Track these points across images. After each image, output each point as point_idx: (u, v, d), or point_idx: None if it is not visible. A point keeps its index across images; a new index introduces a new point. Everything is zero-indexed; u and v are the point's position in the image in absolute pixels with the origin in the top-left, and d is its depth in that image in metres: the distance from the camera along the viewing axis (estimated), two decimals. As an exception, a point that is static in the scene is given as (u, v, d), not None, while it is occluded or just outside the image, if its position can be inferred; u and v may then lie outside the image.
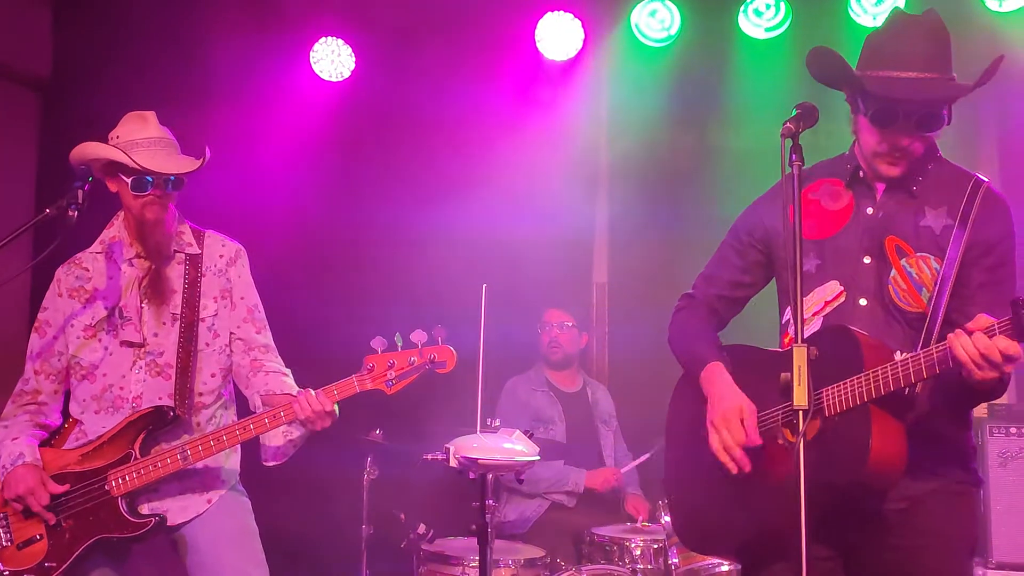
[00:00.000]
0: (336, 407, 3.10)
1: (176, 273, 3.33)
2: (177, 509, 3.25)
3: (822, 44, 2.62)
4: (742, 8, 5.31)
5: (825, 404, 2.42)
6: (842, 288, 2.59)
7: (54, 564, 3.14)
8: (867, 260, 2.58)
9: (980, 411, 4.74)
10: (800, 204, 2.33)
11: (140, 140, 3.19)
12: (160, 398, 3.23)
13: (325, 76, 5.76)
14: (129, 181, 3.17)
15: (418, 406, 4.67)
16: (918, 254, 2.53)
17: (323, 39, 5.74)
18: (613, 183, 5.92)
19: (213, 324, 3.32)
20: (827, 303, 2.60)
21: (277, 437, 3.24)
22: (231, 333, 3.36)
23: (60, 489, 3.16)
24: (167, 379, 3.25)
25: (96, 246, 3.39)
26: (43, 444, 3.31)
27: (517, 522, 4.99)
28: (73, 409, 3.33)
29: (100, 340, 3.29)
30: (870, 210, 2.62)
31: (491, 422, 3.55)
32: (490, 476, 3.19)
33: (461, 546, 4.36)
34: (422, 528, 4.42)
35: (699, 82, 5.43)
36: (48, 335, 3.35)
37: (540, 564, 4.30)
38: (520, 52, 5.59)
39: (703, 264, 2.97)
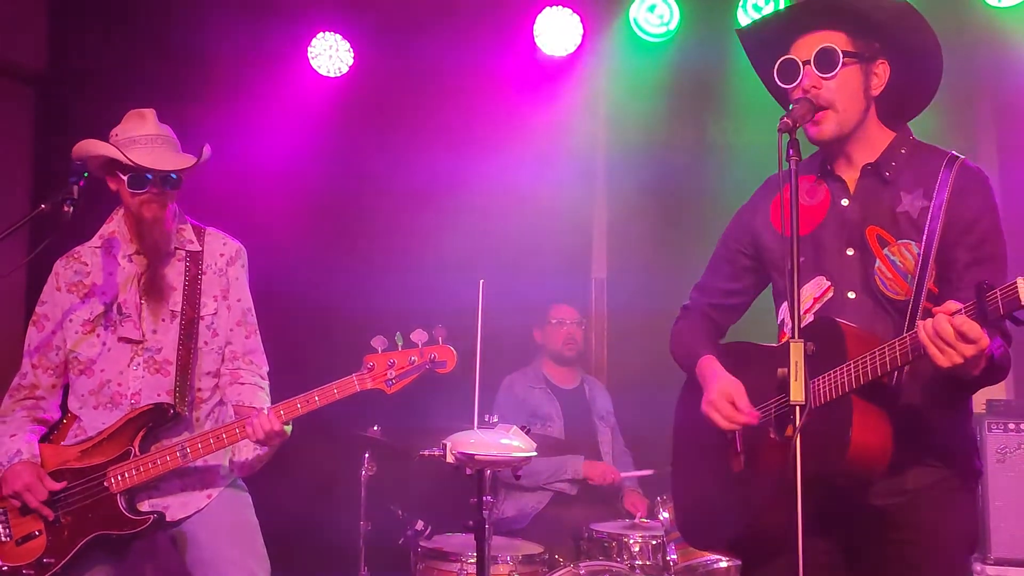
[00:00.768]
0: (288, 427, 3.09)
1: (176, 270, 3.32)
2: (177, 505, 3.25)
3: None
4: (741, 3, 5.30)
5: (810, 396, 2.40)
6: (829, 283, 2.58)
7: (52, 560, 3.14)
8: (850, 252, 2.56)
9: (979, 407, 4.73)
10: (796, 201, 2.31)
11: (138, 137, 3.19)
12: (158, 395, 3.23)
13: (323, 71, 5.76)
14: (126, 179, 3.17)
15: (416, 402, 4.65)
16: (899, 241, 2.50)
17: (321, 34, 5.74)
18: (612, 178, 5.91)
19: (212, 323, 3.32)
20: (816, 299, 2.59)
21: (247, 451, 3.24)
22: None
23: (58, 486, 3.15)
24: (165, 376, 3.24)
25: (95, 240, 3.38)
26: (42, 439, 3.30)
27: (516, 518, 4.99)
28: (72, 404, 3.32)
29: (98, 335, 3.28)
30: (845, 202, 2.59)
31: (489, 418, 3.54)
32: (488, 472, 3.18)
33: (459, 542, 4.35)
34: (420, 524, 4.42)
35: (698, 77, 5.43)
36: (46, 329, 3.33)
37: (538, 560, 4.30)
38: (519, 47, 5.58)
39: (702, 260, 2.98)
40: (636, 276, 5.63)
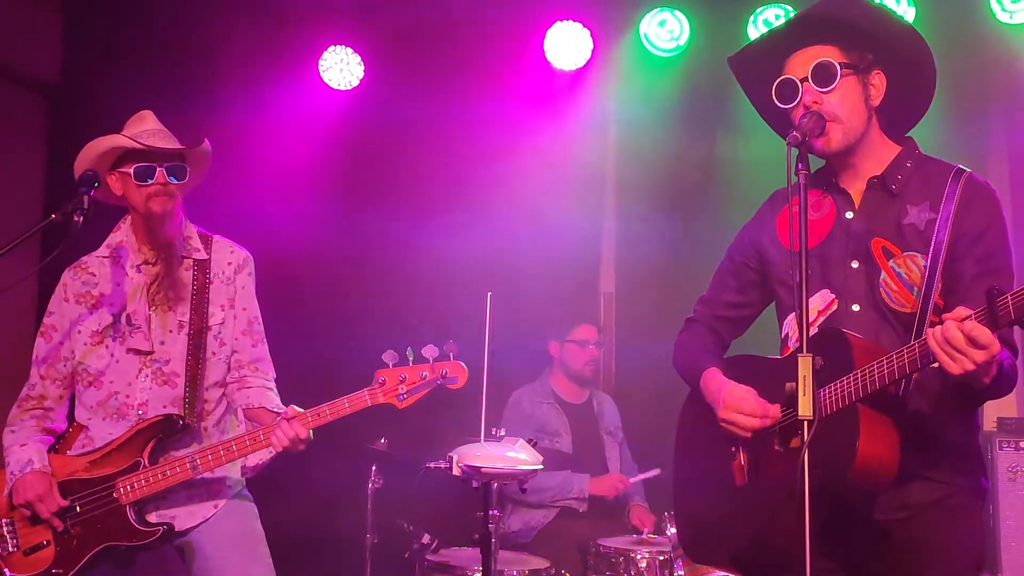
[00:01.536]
0: (311, 432, 3.09)
1: (184, 279, 3.32)
2: (184, 515, 3.25)
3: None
4: (751, 18, 5.31)
5: (818, 408, 2.39)
6: (834, 296, 2.57)
7: (61, 571, 3.14)
8: (855, 265, 2.56)
9: (989, 424, 4.71)
10: (805, 215, 2.31)
11: (139, 132, 3.22)
12: (164, 406, 3.22)
13: (334, 85, 5.77)
14: (132, 171, 3.18)
15: (424, 416, 4.65)
16: (905, 253, 2.49)
17: (332, 47, 5.76)
18: (621, 192, 5.91)
19: (220, 332, 3.32)
20: (820, 312, 2.58)
21: (261, 454, 3.23)
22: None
23: (68, 497, 3.16)
24: (173, 387, 3.24)
25: (102, 250, 3.38)
26: (49, 450, 3.30)
27: (522, 532, 4.97)
28: (79, 415, 3.32)
29: (107, 347, 3.28)
30: (849, 215, 2.59)
31: (496, 431, 3.54)
32: (494, 485, 3.17)
33: (465, 556, 4.34)
34: (426, 538, 4.40)
35: (708, 92, 5.42)
36: (54, 340, 3.34)
37: (545, 575, 4.28)
38: (529, 61, 5.59)
39: (710, 274, 2.97)
40: (645, 291, 5.63)
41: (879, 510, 2.45)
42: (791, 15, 5.07)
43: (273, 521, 3.43)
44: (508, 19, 5.50)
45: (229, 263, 3.37)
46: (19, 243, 2.99)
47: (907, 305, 2.47)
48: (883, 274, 2.51)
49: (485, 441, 3.08)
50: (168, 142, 3.24)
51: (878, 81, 2.58)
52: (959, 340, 2.15)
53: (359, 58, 5.76)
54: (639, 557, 4.37)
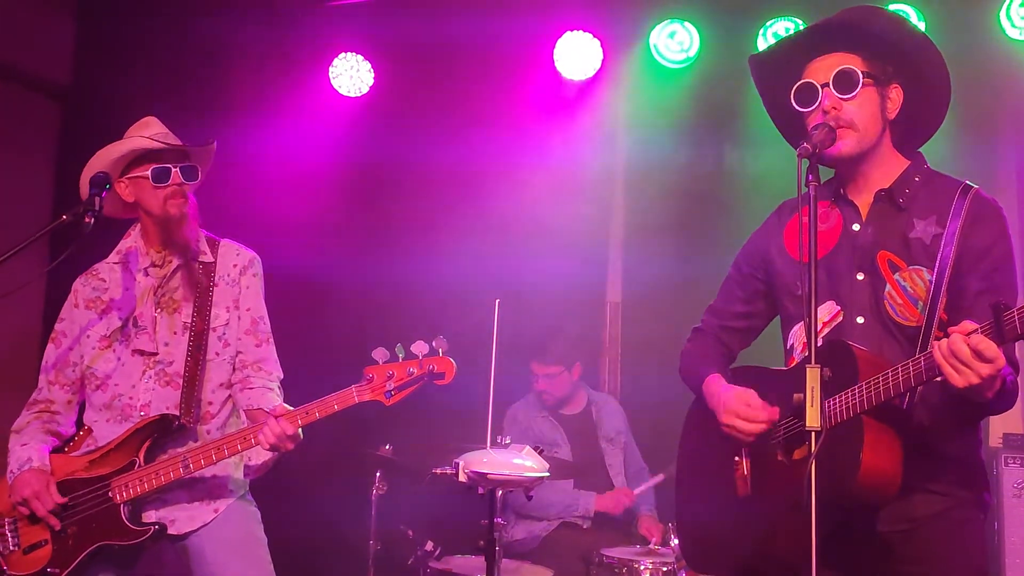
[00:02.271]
0: (300, 431, 3.08)
1: (191, 281, 3.33)
2: (184, 518, 3.25)
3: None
4: (761, 31, 5.31)
5: (825, 420, 2.39)
6: (839, 307, 2.57)
7: (57, 570, 3.15)
8: (860, 277, 2.56)
9: (995, 440, 4.69)
10: (815, 226, 2.32)
11: (147, 136, 3.24)
12: (167, 407, 3.23)
13: (344, 91, 5.78)
14: (150, 173, 3.20)
15: (429, 422, 4.66)
16: (911, 267, 2.50)
17: (342, 55, 5.77)
18: (629, 202, 5.91)
19: (224, 334, 3.33)
20: (825, 324, 2.58)
21: (262, 454, 3.24)
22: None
23: (65, 495, 3.16)
24: (175, 388, 3.25)
25: (113, 256, 3.41)
26: (55, 451, 3.32)
27: (525, 540, 4.95)
28: (87, 416, 3.35)
29: (114, 350, 3.31)
30: (856, 227, 2.60)
31: (501, 439, 3.54)
32: (499, 492, 3.17)
33: (469, 564, 4.34)
34: (430, 545, 4.40)
35: (717, 104, 5.42)
36: (64, 346, 3.37)
37: (547, 584, 4.28)
38: (538, 70, 5.59)
39: (718, 285, 2.98)
40: (651, 301, 5.61)
41: (882, 522, 2.45)
42: (801, 27, 5.15)
43: (276, 526, 3.43)
44: (518, 27, 5.51)
45: (234, 265, 3.39)
46: (29, 244, 3.00)
47: (911, 319, 2.48)
48: (888, 287, 2.51)
49: (491, 448, 3.07)
50: (178, 142, 3.28)
51: (895, 95, 2.59)
52: (965, 353, 2.15)
53: (369, 65, 5.77)
54: (642, 568, 4.35)
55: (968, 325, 2.19)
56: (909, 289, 2.49)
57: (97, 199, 2.97)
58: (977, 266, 2.45)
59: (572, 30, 5.52)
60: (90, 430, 3.32)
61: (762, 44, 5.30)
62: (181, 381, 3.25)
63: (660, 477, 5.04)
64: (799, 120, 2.62)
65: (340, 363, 3.97)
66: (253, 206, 5.04)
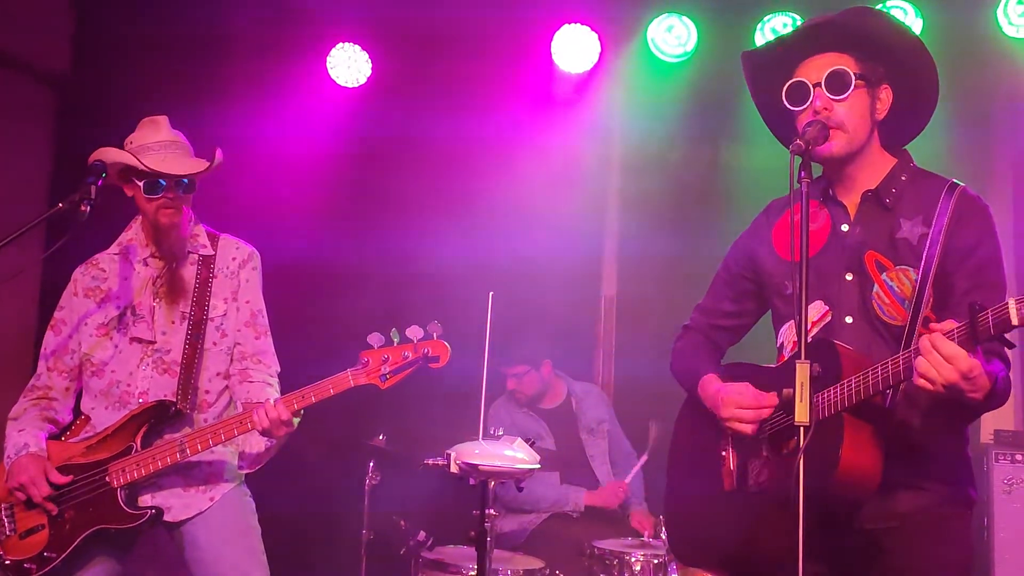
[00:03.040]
0: (296, 419, 3.11)
1: (189, 273, 3.37)
2: (180, 506, 3.27)
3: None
4: (759, 26, 5.32)
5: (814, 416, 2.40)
6: (827, 307, 2.59)
7: (54, 555, 3.16)
8: (849, 277, 2.57)
9: (986, 436, 4.72)
10: (807, 222, 2.33)
11: (151, 144, 3.24)
12: (164, 395, 3.26)
13: (341, 82, 5.78)
14: (141, 185, 3.21)
15: (422, 413, 4.68)
16: (897, 267, 2.51)
17: (340, 45, 5.77)
18: (624, 196, 5.92)
19: (221, 324, 3.35)
20: (814, 323, 2.59)
21: (258, 443, 3.26)
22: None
23: (62, 479, 3.18)
24: (173, 376, 3.28)
25: (114, 248, 3.45)
26: (52, 438, 3.34)
27: (516, 533, 4.96)
28: (85, 404, 3.37)
29: (111, 338, 3.33)
30: (845, 227, 2.61)
31: (494, 430, 3.55)
32: (491, 483, 3.19)
33: (460, 554, 4.35)
34: (422, 535, 4.41)
35: (713, 99, 5.43)
36: (63, 333, 3.39)
37: (539, 575, 4.29)
38: (536, 63, 5.60)
39: (711, 279, 2.99)
40: (646, 294, 5.63)
41: (866, 518, 2.47)
42: (799, 23, 5.16)
43: (269, 516, 3.45)
44: (516, 19, 5.51)
45: (234, 258, 3.42)
46: (26, 231, 3.01)
47: (898, 318, 2.49)
48: (876, 287, 2.53)
49: (483, 439, 3.09)
50: (181, 156, 3.26)
51: (885, 96, 2.60)
52: (927, 348, 2.18)
53: (367, 56, 5.77)
54: (633, 560, 4.36)
55: (947, 324, 2.21)
56: (896, 289, 2.51)
57: (93, 188, 2.98)
58: (963, 265, 2.46)
59: (570, 23, 5.53)
60: (88, 418, 3.34)
61: (759, 39, 5.32)
62: (179, 369, 3.27)
63: (644, 458, 5.03)
64: (789, 118, 2.63)
65: (336, 348, 3.99)
66: (250, 196, 5.05)
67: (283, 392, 3.28)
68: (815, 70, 2.56)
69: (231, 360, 3.36)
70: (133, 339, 3.31)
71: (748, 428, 2.58)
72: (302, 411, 3.13)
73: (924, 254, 2.47)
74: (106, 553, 3.23)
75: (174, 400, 3.23)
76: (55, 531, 3.18)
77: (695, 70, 5.51)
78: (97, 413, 3.31)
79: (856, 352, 2.44)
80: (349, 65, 5.77)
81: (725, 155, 5.64)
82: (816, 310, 2.60)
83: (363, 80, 5.78)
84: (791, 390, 2.21)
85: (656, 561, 4.33)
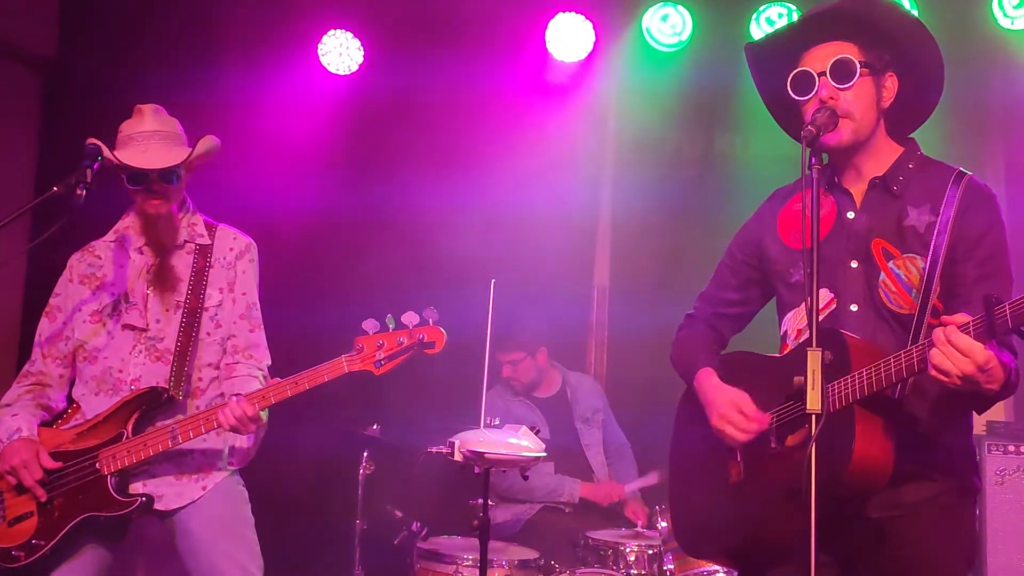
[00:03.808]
0: (264, 413, 3.09)
1: (184, 263, 3.34)
2: (172, 495, 3.24)
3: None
4: (754, 16, 5.31)
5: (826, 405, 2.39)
6: (832, 295, 2.58)
7: (42, 542, 3.12)
8: (854, 265, 2.56)
9: (979, 428, 4.73)
10: (817, 209, 2.31)
11: (135, 134, 3.21)
12: (157, 382, 3.23)
13: (333, 69, 5.72)
14: (125, 177, 3.19)
15: (417, 402, 4.66)
16: (905, 255, 2.51)
17: (331, 32, 5.70)
18: (617, 185, 5.90)
19: (216, 314, 3.33)
20: (819, 311, 2.58)
21: (244, 438, 3.24)
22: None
23: (54, 465, 3.14)
24: (165, 364, 3.25)
25: (110, 235, 3.42)
26: (44, 425, 3.30)
27: (509, 523, 4.95)
28: (76, 391, 3.34)
29: (105, 325, 3.31)
30: (851, 215, 2.60)
31: (491, 420, 3.53)
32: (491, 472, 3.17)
33: (455, 544, 4.34)
34: (416, 525, 4.39)
35: (708, 89, 5.41)
36: (58, 320, 3.36)
37: (534, 565, 4.28)
38: (530, 51, 5.57)
39: (704, 270, 2.99)
40: (639, 284, 5.62)
41: (873, 508, 2.46)
42: (794, 13, 5.16)
43: (262, 505, 3.42)
44: (510, 8, 5.48)
45: (231, 249, 3.39)
46: (19, 215, 2.97)
47: (905, 306, 2.49)
48: (882, 275, 2.52)
49: (485, 428, 3.07)
50: (161, 147, 3.20)
51: (890, 83, 2.59)
52: (941, 340, 2.17)
53: (359, 43, 5.70)
54: (628, 550, 4.35)
55: (960, 317, 2.20)
56: (903, 277, 2.50)
57: (89, 171, 2.92)
58: (972, 253, 2.46)
59: (564, 11, 5.50)
60: (78, 406, 3.31)
61: (755, 29, 5.31)
62: (171, 357, 3.24)
63: (653, 479, 4.99)
64: (795, 109, 2.62)
65: (329, 338, 3.96)
66: (240, 185, 4.98)
67: (278, 374, 3.25)
68: (819, 59, 2.55)
69: (224, 352, 3.34)
70: (125, 326, 3.28)
71: (739, 436, 2.56)
72: (267, 408, 3.09)
73: (932, 242, 2.46)
74: (96, 542, 3.19)
75: (166, 387, 3.20)
76: (44, 518, 3.15)
77: (690, 59, 5.49)
78: (88, 400, 3.28)
79: (863, 341, 2.43)
80: (341, 52, 5.71)
81: (720, 145, 5.64)
82: (821, 298, 2.58)
83: (355, 68, 5.73)
84: (802, 378, 2.20)
85: (651, 552, 4.32)
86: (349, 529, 4.47)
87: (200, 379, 3.30)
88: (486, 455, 2.98)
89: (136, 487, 3.19)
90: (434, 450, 3.10)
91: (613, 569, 4.29)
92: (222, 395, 3.33)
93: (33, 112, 5.72)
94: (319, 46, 5.71)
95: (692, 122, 5.61)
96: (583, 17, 5.48)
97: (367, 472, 4.46)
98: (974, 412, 2.57)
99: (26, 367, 3.38)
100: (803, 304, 2.56)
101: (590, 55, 5.54)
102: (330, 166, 5.58)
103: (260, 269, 3.45)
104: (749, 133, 5.38)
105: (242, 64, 5.50)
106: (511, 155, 5.38)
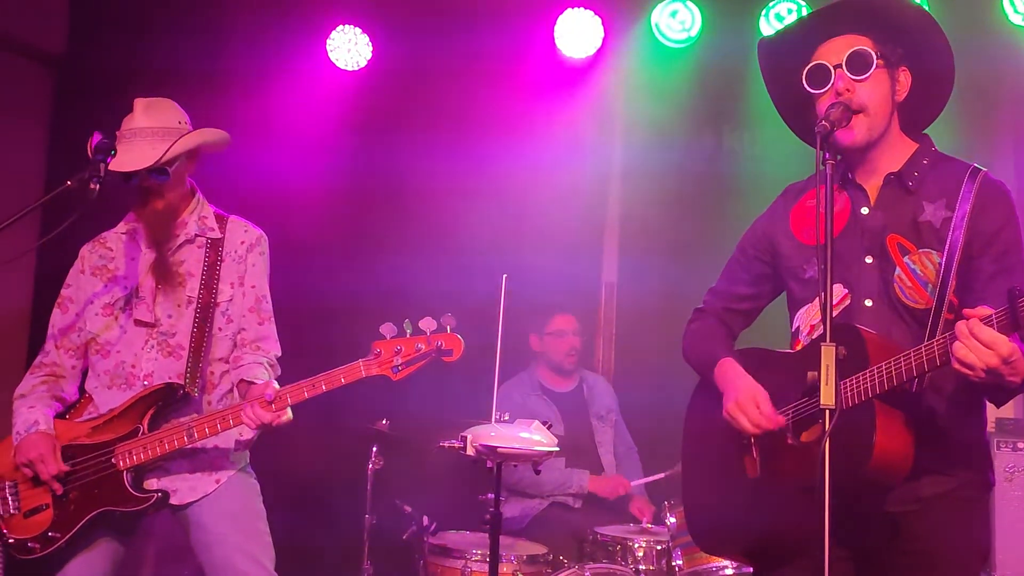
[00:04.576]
0: (289, 412, 3.08)
1: (196, 257, 3.34)
2: (186, 489, 3.26)
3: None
4: (764, 12, 5.29)
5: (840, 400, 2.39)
6: (846, 291, 2.58)
7: (58, 535, 3.14)
8: (869, 260, 2.57)
9: (988, 425, 4.72)
10: (831, 204, 2.31)
11: (126, 132, 3.21)
12: (170, 377, 3.24)
13: (341, 65, 5.72)
14: (120, 174, 3.17)
15: (427, 396, 4.65)
16: (921, 250, 2.51)
17: (340, 27, 5.70)
18: (626, 181, 5.90)
19: (227, 309, 3.34)
20: (833, 307, 2.58)
21: (249, 431, 3.23)
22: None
23: (67, 467, 3.15)
24: (178, 359, 3.26)
25: (121, 226, 3.41)
26: (58, 416, 3.31)
27: (517, 518, 4.95)
28: (89, 383, 3.35)
29: (117, 319, 3.31)
30: (865, 210, 2.60)
31: (501, 414, 3.53)
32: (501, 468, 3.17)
33: (464, 539, 4.35)
34: (425, 520, 4.39)
35: (717, 85, 5.41)
36: (70, 312, 3.37)
37: (542, 561, 4.29)
38: (539, 46, 5.55)
39: (714, 266, 2.99)
40: (647, 280, 5.61)
41: (890, 502, 2.47)
42: (803, 8, 5.15)
43: (272, 498, 3.43)
44: (519, 4, 5.47)
45: (242, 242, 3.39)
46: (32, 210, 2.97)
47: (921, 301, 2.49)
48: (898, 270, 2.52)
49: (497, 423, 3.07)
50: (144, 145, 3.16)
51: (904, 77, 2.59)
52: (964, 334, 2.16)
53: (367, 38, 5.70)
54: (636, 546, 4.36)
55: (983, 310, 2.20)
56: (919, 272, 2.50)
57: (102, 165, 2.92)
58: (988, 249, 2.46)
59: (573, 7, 5.49)
60: (91, 397, 3.32)
61: (764, 24, 5.30)
62: (185, 353, 3.25)
63: (660, 476, 4.99)
64: (807, 108, 2.62)
65: (340, 337, 3.97)
66: (250, 180, 4.98)
67: (295, 379, 3.25)
68: (835, 52, 2.55)
69: (235, 346, 3.35)
70: (137, 321, 3.29)
71: (749, 427, 2.56)
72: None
73: (948, 238, 2.47)
74: (109, 535, 3.21)
75: (182, 383, 3.20)
76: (59, 511, 3.16)
77: (699, 55, 5.47)
78: (100, 393, 3.29)
79: (880, 336, 2.43)
80: (349, 48, 5.71)
81: (728, 141, 5.63)
82: (835, 293, 2.58)
83: (363, 63, 5.72)
84: (815, 373, 2.20)
85: (659, 547, 4.32)
86: (358, 524, 4.47)
87: (212, 373, 3.32)
88: (499, 449, 2.98)
89: (151, 482, 3.21)
90: (446, 444, 3.10)
91: (621, 564, 4.29)
92: (232, 391, 3.34)
93: (43, 108, 5.73)
94: (328, 41, 5.71)
95: (702, 118, 5.59)
96: (592, 13, 5.47)
97: (376, 467, 4.47)
98: (984, 406, 2.57)
99: (39, 358, 3.39)
100: (816, 299, 2.56)
101: (599, 51, 5.52)
102: (337, 161, 5.56)
103: (271, 262, 3.45)
104: (758, 129, 5.36)
105: (251, 59, 5.50)
106: (519, 151, 5.36)
